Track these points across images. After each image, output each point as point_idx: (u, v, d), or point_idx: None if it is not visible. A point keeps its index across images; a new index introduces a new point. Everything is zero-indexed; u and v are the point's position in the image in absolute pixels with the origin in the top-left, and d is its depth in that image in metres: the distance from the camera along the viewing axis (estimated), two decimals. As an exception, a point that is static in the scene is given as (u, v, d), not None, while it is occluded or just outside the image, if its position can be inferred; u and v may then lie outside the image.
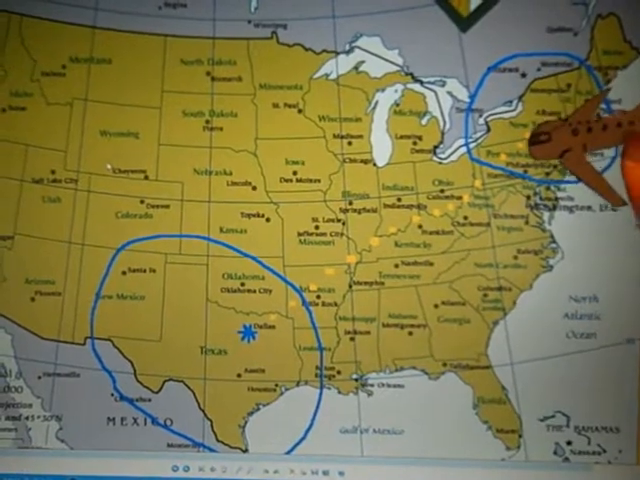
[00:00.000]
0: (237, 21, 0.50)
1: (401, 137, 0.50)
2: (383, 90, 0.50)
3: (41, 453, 0.53)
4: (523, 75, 0.49)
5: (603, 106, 0.49)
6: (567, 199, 0.49)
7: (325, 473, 0.52)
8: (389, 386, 0.51)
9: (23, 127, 0.51)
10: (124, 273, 0.51)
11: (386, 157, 0.50)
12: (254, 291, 0.51)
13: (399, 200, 0.50)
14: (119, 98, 0.51)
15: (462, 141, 0.50)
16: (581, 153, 0.35)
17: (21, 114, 0.51)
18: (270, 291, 0.51)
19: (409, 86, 0.50)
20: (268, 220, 0.51)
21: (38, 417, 0.52)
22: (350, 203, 0.50)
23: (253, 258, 0.51)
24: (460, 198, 0.50)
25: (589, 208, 0.49)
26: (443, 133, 0.50)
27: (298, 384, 0.52)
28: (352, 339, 0.51)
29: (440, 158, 0.50)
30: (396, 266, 0.51)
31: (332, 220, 0.50)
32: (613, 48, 0.49)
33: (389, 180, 0.50)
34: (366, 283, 0.51)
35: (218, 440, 0.52)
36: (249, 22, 0.50)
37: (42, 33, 0.50)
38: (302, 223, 0.51)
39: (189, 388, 0.52)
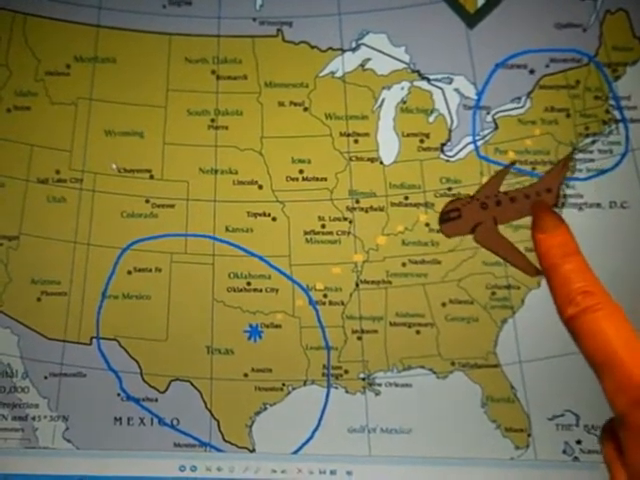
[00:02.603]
0: (242, 19, 0.50)
1: (408, 135, 0.50)
2: (389, 88, 0.49)
3: (48, 453, 0.53)
4: (531, 72, 0.49)
5: (612, 102, 0.48)
6: (576, 196, 0.49)
7: (332, 473, 0.52)
8: (397, 385, 0.51)
9: (28, 127, 0.51)
10: (130, 273, 0.51)
11: (393, 155, 0.50)
12: (260, 290, 0.51)
13: (406, 198, 0.50)
14: (124, 97, 0.50)
15: (470, 139, 0.49)
16: (492, 226, 0.36)
17: (26, 114, 0.51)
18: (276, 290, 0.51)
19: (416, 83, 0.49)
20: (274, 219, 0.50)
21: (45, 417, 0.52)
22: (357, 201, 0.50)
23: (259, 257, 0.51)
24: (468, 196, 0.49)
25: (598, 205, 0.49)
26: (450, 131, 0.49)
27: (305, 383, 0.51)
28: (359, 338, 0.51)
29: (447, 156, 0.50)
30: (403, 265, 0.50)
31: (339, 219, 0.50)
32: (622, 44, 0.48)
33: (396, 178, 0.50)
34: (373, 282, 0.50)
35: (225, 440, 0.52)
36: (254, 20, 0.50)
37: (46, 32, 0.50)
38: (308, 222, 0.50)
39: (196, 388, 0.52)
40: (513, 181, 0.49)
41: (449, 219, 0.36)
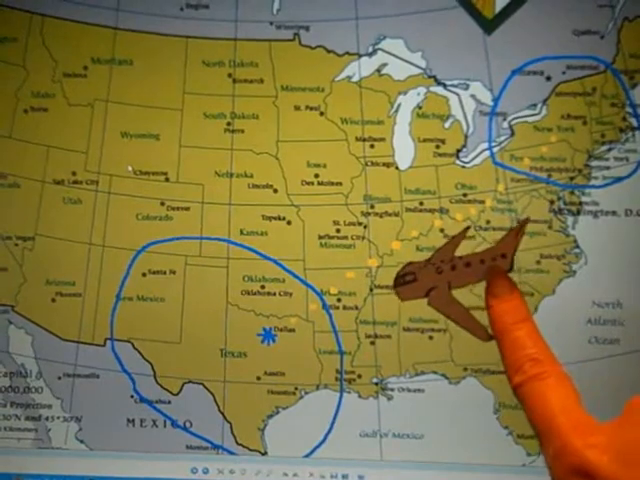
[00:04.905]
0: (259, 22, 0.50)
1: (424, 140, 0.50)
2: (406, 93, 0.49)
3: (60, 454, 0.53)
4: (548, 78, 0.49)
5: (629, 110, 0.48)
6: (592, 204, 0.49)
7: (344, 477, 0.52)
8: (409, 390, 0.51)
9: (44, 128, 0.51)
10: (144, 275, 0.51)
11: (408, 160, 0.50)
12: (274, 294, 0.51)
13: (421, 204, 0.50)
14: (140, 99, 0.51)
15: (485, 145, 0.49)
16: (446, 291, 0.36)
17: (42, 115, 0.51)
18: (290, 294, 0.51)
19: (432, 89, 0.49)
20: (289, 223, 0.50)
21: (58, 418, 0.53)
22: (372, 206, 0.50)
23: (274, 261, 0.51)
24: (483, 202, 0.50)
25: (614, 213, 0.49)
26: (466, 137, 0.49)
27: (318, 388, 0.51)
28: (372, 343, 0.51)
29: (463, 162, 0.50)
30: (417, 270, 0.50)
31: (353, 223, 0.50)
32: (640, 52, 0.48)
33: (411, 184, 0.50)
34: (387, 287, 0.50)
35: (237, 443, 0.52)
36: (271, 24, 0.50)
37: (63, 34, 0.50)
38: (323, 226, 0.50)
39: (209, 390, 0.52)
40: (529, 187, 0.49)
41: (404, 282, 0.37)
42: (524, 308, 0.34)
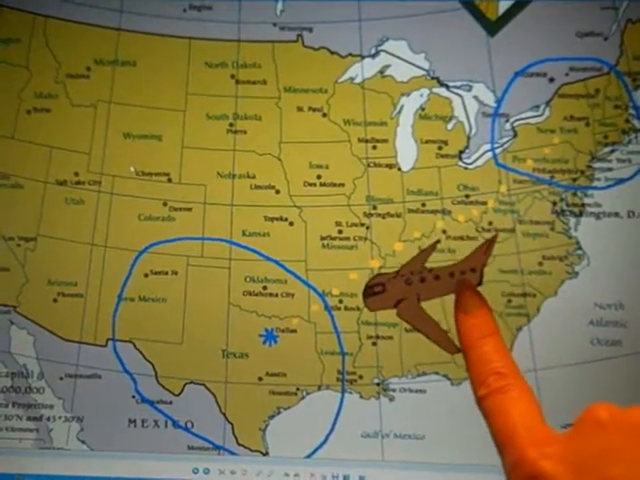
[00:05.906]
0: (262, 24, 0.50)
1: (426, 142, 0.50)
2: (409, 94, 0.50)
3: (62, 454, 0.53)
4: (551, 80, 0.49)
5: (632, 111, 0.48)
6: (594, 205, 0.49)
7: (346, 477, 0.52)
8: (411, 391, 0.51)
9: (47, 129, 0.51)
10: (146, 275, 0.51)
11: (411, 162, 0.50)
12: (276, 295, 0.51)
13: (423, 205, 0.50)
14: (143, 100, 0.51)
15: (488, 146, 0.49)
16: (414, 302, 0.36)
17: (45, 116, 0.51)
18: (292, 295, 0.51)
19: (435, 90, 0.49)
20: (291, 224, 0.50)
21: (59, 418, 0.53)
22: (374, 207, 0.50)
23: (276, 262, 0.51)
24: (485, 204, 0.50)
25: (616, 214, 0.49)
26: (469, 138, 0.49)
27: (319, 388, 0.51)
28: (374, 344, 0.51)
29: (465, 163, 0.50)
30: (419, 271, 0.50)
31: (356, 224, 0.50)
32: (643, 54, 0.48)
33: (414, 185, 0.50)
34: (389, 288, 0.50)
35: (239, 443, 0.52)
36: (274, 25, 0.50)
37: (67, 35, 0.51)
38: (325, 227, 0.50)
39: (210, 391, 0.52)
40: (532, 189, 0.49)
41: (373, 293, 0.37)
42: (492, 323, 0.34)
